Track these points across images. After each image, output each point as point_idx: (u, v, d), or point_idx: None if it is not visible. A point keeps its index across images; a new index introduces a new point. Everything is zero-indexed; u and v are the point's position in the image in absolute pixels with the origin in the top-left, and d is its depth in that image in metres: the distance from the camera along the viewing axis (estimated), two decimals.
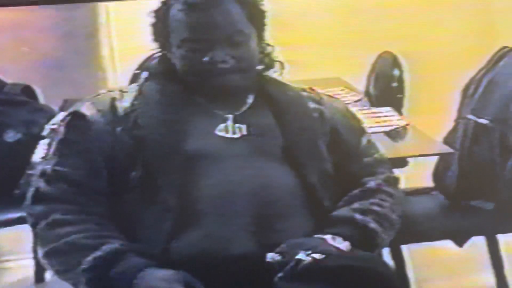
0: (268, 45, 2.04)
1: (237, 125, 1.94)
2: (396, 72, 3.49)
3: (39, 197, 1.87)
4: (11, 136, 3.11)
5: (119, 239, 1.82)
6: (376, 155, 2.07)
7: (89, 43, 4.50)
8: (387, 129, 2.87)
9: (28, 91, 3.29)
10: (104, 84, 4.44)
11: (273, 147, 1.94)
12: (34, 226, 1.86)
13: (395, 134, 2.85)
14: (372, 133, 2.63)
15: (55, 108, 3.18)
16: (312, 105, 2.03)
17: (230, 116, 1.95)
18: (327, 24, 4.45)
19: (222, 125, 1.93)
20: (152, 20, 1.99)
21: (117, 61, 4.51)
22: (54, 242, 1.81)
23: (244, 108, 1.98)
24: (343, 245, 1.86)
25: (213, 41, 1.90)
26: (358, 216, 1.91)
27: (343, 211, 1.93)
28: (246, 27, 1.94)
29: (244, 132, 1.93)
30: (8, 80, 3.33)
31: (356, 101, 3.32)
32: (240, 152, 1.90)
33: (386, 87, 3.50)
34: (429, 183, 2.87)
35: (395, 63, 3.51)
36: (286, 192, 1.89)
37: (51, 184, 1.86)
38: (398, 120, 2.98)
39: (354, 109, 2.41)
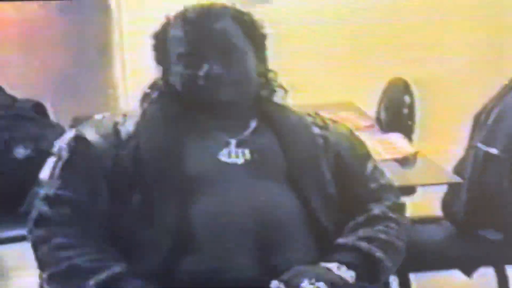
0: (270, 70, 2.04)
1: (240, 149, 1.93)
2: (407, 98, 3.48)
3: (41, 220, 1.85)
4: (20, 152, 3.11)
5: (120, 263, 1.80)
6: (382, 181, 2.05)
7: (101, 59, 4.51)
8: (397, 156, 2.86)
9: (39, 107, 3.29)
10: (114, 102, 4.44)
11: (276, 171, 1.92)
12: (35, 249, 1.85)
13: (404, 161, 2.84)
14: (382, 160, 2.63)
15: (65, 125, 3.18)
16: (316, 130, 2.03)
17: (233, 140, 1.94)
18: (338, 49, 4.45)
19: (225, 150, 1.92)
20: (153, 42, 2.01)
21: (128, 78, 4.51)
22: (55, 266, 1.79)
23: (247, 132, 1.97)
24: (348, 274, 1.83)
25: (207, 55, 1.90)
26: (363, 245, 1.89)
27: (348, 239, 1.91)
28: (242, 43, 1.94)
29: (248, 157, 1.92)
30: (19, 95, 3.34)
31: (367, 127, 3.31)
32: (242, 175, 1.89)
33: (397, 114, 3.49)
34: (437, 211, 2.85)
35: (406, 89, 3.51)
36: (289, 216, 1.87)
37: (53, 207, 1.85)
38: (408, 147, 2.96)
39: (364, 134, 2.40)
